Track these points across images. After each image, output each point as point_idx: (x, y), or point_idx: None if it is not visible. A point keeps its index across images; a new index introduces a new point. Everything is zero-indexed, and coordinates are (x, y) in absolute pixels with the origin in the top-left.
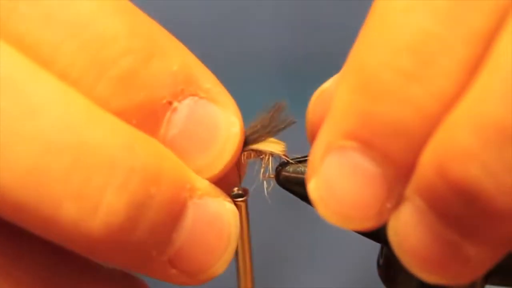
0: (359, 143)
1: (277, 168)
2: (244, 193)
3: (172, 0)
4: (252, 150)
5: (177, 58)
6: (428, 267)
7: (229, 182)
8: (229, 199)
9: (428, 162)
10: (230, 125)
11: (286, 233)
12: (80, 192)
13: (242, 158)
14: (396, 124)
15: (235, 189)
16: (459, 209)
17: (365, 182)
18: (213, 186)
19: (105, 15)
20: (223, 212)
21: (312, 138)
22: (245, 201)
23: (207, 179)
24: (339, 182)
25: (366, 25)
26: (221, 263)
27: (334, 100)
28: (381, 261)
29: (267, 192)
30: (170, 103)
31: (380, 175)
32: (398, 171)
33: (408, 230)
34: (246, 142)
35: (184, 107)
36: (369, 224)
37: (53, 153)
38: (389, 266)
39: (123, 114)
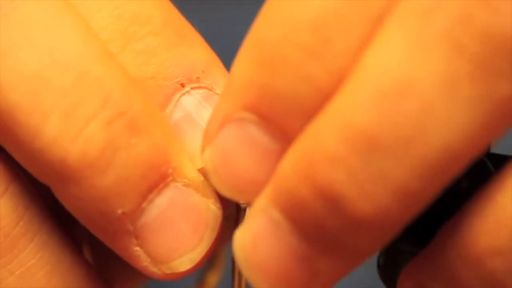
0: (258, 116)
1: None
2: None
3: None
4: None
5: (200, 53)
6: (274, 283)
7: None
8: (218, 205)
9: (290, 167)
10: None
11: None
12: (69, 112)
13: None
14: (293, 100)
15: None
16: (319, 218)
17: (261, 157)
18: (207, 185)
19: (145, 1)
20: (204, 210)
21: None
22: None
23: (200, 169)
24: (235, 154)
25: (268, 2)
26: (187, 258)
27: (233, 73)
28: (381, 261)
29: None
30: (183, 85)
31: (277, 152)
32: None
33: (258, 243)
34: None
35: (196, 94)
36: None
37: (58, 69)
38: (389, 266)
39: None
